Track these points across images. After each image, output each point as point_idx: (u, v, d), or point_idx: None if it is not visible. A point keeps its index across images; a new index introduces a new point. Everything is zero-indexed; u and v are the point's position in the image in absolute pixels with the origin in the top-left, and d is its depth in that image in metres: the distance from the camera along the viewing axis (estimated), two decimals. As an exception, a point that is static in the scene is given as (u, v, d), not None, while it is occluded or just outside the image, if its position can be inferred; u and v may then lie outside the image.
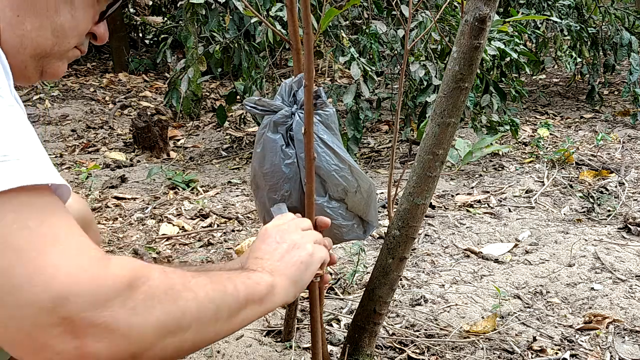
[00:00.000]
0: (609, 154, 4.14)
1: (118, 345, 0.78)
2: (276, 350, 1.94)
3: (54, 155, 4.34)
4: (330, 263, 1.29)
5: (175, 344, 0.85)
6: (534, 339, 2.03)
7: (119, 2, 1.05)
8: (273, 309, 1.08)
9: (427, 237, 2.91)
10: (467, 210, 3.23)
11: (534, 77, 6.60)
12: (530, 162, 3.99)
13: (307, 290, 1.34)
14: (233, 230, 3.03)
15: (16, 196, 0.74)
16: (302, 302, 2.16)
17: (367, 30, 4.01)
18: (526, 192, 3.47)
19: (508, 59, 3.92)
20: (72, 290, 0.75)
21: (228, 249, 2.84)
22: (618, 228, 2.93)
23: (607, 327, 2.09)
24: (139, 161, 4.29)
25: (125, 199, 3.51)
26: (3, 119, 0.77)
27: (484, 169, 3.89)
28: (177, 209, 3.33)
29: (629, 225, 2.91)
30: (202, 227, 3.11)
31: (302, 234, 1.20)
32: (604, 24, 5.40)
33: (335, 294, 2.36)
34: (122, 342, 0.78)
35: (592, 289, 2.37)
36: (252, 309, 1.01)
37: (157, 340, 0.82)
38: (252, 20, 4.04)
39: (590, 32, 5.18)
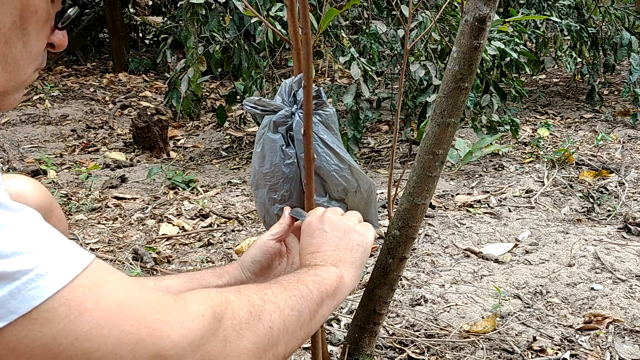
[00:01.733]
0: (609, 154, 4.14)
1: None
2: (276, 350, 1.94)
3: (54, 155, 4.34)
4: None
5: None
6: (534, 339, 2.03)
7: (72, 8, 0.86)
8: (344, 299, 1.07)
9: (427, 237, 2.91)
10: (467, 210, 3.23)
11: (534, 77, 6.60)
12: (530, 162, 3.99)
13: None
14: (233, 230, 3.03)
15: (60, 293, 0.70)
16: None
17: (367, 30, 4.01)
18: (526, 192, 3.47)
19: (508, 59, 3.92)
20: (166, 345, 0.74)
21: (228, 249, 2.84)
22: (618, 228, 2.93)
23: (607, 327, 2.09)
24: (139, 161, 4.29)
25: (125, 199, 3.51)
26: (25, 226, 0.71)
27: (484, 169, 3.89)
28: (177, 209, 3.33)
29: (629, 225, 2.90)
30: (202, 227, 3.11)
31: (347, 218, 1.19)
32: (604, 24, 5.39)
33: (335, 294, 2.36)
34: None
35: (592, 289, 2.37)
36: (327, 305, 1.00)
37: None
38: (252, 20, 4.04)
39: (590, 32, 5.18)
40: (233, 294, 0.85)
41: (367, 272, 2.40)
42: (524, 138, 4.51)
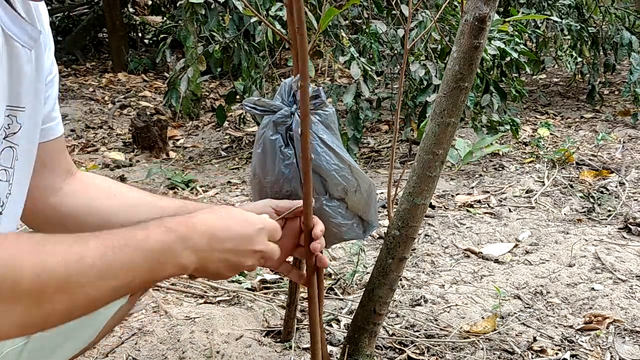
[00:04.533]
0: (609, 153, 4.14)
1: None
2: (276, 351, 1.93)
3: (53, 155, 4.33)
4: (323, 265, 1.30)
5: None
6: (534, 339, 2.03)
7: None
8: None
9: (427, 237, 2.90)
10: (467, 210, 3.22)
11: (534, 77, 6.60)
12: (530, 162, 3.99)
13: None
14: (233, 230, 3.02)
15: None
16: (302, 303, 2.15)
17: (367, 30, 4.00)
18: (526, 192, 3.46)
19: (508, 58, 3.91)
20: None
21: (227, 249, 2.83)
22: (618, 228, 2.93)
23: (607, 328, 2.09)
24: (138, 161, 4.28)
25: (124, 199, 3.49)
26: None
27: (484, 169, 3.89)
28: (176, 209, 3.32)
29: (630, 225, 2.90)
30: (202, 227, 3.10)
31: (257, 247, 1.09)
32: (604, 23, 5.39)
33: (335, 294, 2.35)
34: None
35: (593, 289, 2.36)
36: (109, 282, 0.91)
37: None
38: (252, 20, 4.04)
39: (590, 31, 5.18)
40: (44, 260, 0.81)
41: (367, 273, 2.40)
42: (524, 138, 4.51)
